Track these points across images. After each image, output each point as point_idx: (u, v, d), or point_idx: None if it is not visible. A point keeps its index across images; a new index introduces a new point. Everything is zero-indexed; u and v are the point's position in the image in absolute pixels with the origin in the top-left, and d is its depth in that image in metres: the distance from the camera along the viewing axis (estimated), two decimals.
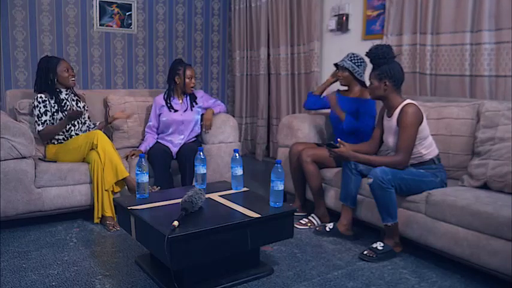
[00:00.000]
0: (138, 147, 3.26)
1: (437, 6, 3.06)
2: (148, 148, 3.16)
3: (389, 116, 2.50)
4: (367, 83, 2.64)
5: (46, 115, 2.91)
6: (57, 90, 2.98)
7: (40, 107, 2.89)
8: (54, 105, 2.93)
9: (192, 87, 3.28)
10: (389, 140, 2.52)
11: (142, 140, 3.36)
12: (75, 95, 3.13)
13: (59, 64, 2.96)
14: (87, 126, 3.17)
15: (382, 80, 2.43)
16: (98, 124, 3.25)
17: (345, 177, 2.59)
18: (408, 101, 2.43)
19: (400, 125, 2.37)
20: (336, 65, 3.16)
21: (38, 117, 2.89)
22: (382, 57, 2.42)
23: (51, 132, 2.92)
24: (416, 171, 2.40)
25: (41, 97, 2.91)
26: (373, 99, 2.60)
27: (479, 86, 2.86)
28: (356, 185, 2.57)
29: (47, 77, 2.94)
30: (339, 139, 2.55)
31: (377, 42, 3.59)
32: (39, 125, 2.89)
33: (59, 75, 2.96)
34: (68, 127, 2.97)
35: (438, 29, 3.06)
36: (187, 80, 3.24)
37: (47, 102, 2.91)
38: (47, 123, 2.91)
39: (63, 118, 2.93)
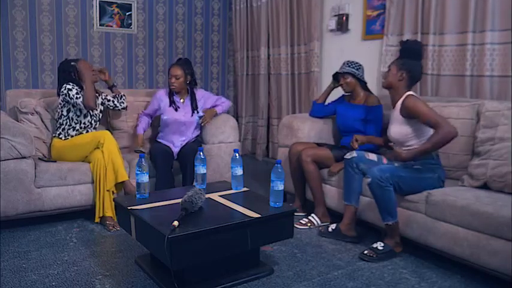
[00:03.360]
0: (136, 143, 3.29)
1: (440, 6, 3.06)
2: (145, 130, 3.29)
3: (393, 107, 2.56)
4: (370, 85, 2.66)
5: (82, 92, 2.96)
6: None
7: (75, 88, 2.93)
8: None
9: (172, 87, 3.21)
10: (392, 130, 2.56)
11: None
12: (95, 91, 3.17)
13: (78, 62, 3.02)
14: (117, 101, 3.27)
15: (401, 69, 2.48)
16: (121, 93, 3.32)
17: (347, 176, 2.59)
18: (409, 92, 2.49)
19: (416, 113, 2.38)
20: (336, 74, 3.15)
21: (77, 93, 2.92)
22: (412, 51, 2.49)
23: (87, 94, 2.92)
24: (413, 169, 2.40)
25: (70, 84, 2.94)
26: (384, 86, 2.60)
27: (481, 87, 2.86)
28: (359, 183, 2.57)
29: (69, 76, 2.98)
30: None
31: (378, 42, 3.61)
32: (79, 98, 2.91)
33: (80, 72, 3.00)
34: (84, 124, 3.01)
35: (441, 29, 3.06)
36: (168, 79, 3.24)
37: (77, 87, 2.95)
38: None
39: (88, 114, 3.03)
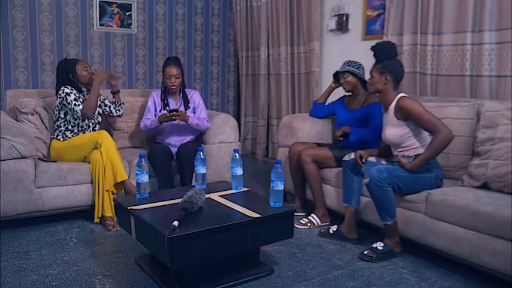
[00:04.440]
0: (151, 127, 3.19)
1: (439, 6, 3.06)
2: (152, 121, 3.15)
3: (386, 110, 2.54)
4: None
5: (81, 98, 2.93)
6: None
7: (74, 92, 2.91)
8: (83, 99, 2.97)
9: (173, 87, 3.15)
10: (386, 132, 2.53)
11: (147, 138, 3.35)
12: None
13: (77, 64, 2.99)
14: (114, 108, 3.23)
15: (383, 74, 2.46)
16: (121, 101, 3.27)
17: (346, 178, 2.59)
18: (401, 94, 2.46)
19: (413, 116, 2.36)
20: (336, 73, 3.16)
21: (75, 99, 2.90)
22: (386, 52, 2.46)
23: (89, 103, 2.90)
24: None
25: (69, 87, 2.92)
26: (371, 92, 2.59)
27: (480, 86, 2.87)
28: (358, 184, 2.57)
29: (68, 78, 2.97)
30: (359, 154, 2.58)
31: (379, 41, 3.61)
32: (78, 105, 2.89)
33: (78, 75, 2.98)
34: (81, 126, 2.99)
35: (439, 29, 3.07)
36: (166, 80, 3.17)
37: (75, 91, 2.94)
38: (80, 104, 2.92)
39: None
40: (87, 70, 3.02)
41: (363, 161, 2.55)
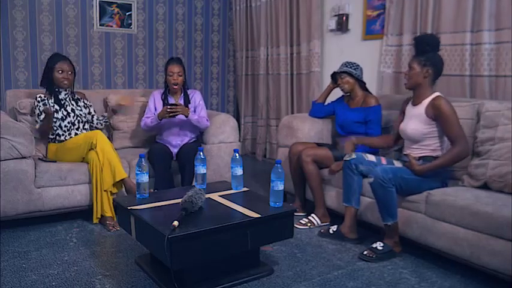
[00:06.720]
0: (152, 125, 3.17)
1: (438, 6, 3.06)
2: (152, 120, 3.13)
3: (415, 104, 2.48)
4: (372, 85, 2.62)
5: (42, 114, 2.91)
6: (57, 90, 3.00)
7: (39, 106, 2.92)
8: (54, 105, 2.95)
9: (175, 84, 3.15)
10: (408, 126, 2.48)
11: (148, 138, 3.35)
12: (75, 94, 3.14)
13: (56, 63, 2.96)
14: (97, 119, 3.22)
15: (425, 66, 2.40)
16: (106, 115, 3.27)
17: (347, 178, 2.58)
18: (438, 93, 2.42)
19: (442, 118, 2.33)
20: (334, 74, 3.15)
21: (38, 115, 2.92)
22: (429, 44, 2.40)
23: (41, 129, 2.94)
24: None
25: (40, 96, 2.95)
26: (408, 87, 2.51)
27: (479, 86, 2.87)
28: (359, 184, 2.57)
29: (48, 75, 2.98)
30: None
31: (378, 42, 3.62)
32: (37, 122, 2.92)
33: (53, 75, 2.97)
34: (66, 126, 2.97)
35: (438, 28, 3.07)
36: (168, 77, 3.17)
37: (46, 101, 2.94)
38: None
39: (63, 117, 2.97)
40: (62, 73, 2.95)
41: (353, 148, 2.58)
